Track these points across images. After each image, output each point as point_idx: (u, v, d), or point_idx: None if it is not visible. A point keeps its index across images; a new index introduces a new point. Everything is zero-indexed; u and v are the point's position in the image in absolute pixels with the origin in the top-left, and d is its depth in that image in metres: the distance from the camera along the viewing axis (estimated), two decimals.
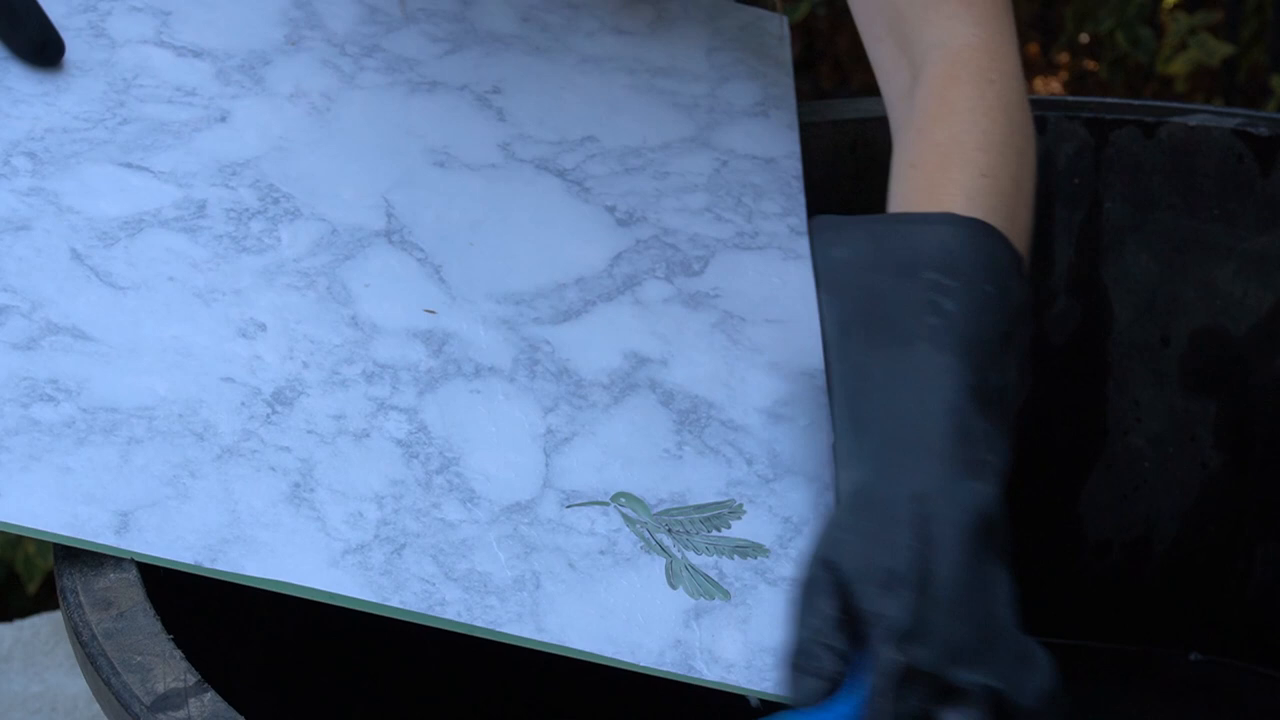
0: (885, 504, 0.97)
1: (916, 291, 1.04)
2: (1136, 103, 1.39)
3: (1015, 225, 1.10)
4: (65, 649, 1.73)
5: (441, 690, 1.21)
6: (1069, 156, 1.37)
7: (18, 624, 1.80)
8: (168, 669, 0.92)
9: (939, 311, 1.04)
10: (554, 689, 1.21)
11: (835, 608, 0.95)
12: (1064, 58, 2.59)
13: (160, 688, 0.91)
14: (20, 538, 1.89)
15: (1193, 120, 1.36)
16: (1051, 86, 2.65)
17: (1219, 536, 1.39)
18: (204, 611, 0.99)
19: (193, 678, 0.91)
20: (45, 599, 2.04)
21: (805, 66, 2.27)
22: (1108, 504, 1.40)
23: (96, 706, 0.96)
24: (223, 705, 0.89)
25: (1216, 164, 1.35)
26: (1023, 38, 2.63)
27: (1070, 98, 1.44)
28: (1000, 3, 1.17)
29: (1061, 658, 1.37)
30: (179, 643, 0.93)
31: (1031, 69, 2.60)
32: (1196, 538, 1.39)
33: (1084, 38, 2.54)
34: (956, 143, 1.11)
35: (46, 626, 1.80)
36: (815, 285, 1.13)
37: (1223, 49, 2.38)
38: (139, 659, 0.92)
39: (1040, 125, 1.36)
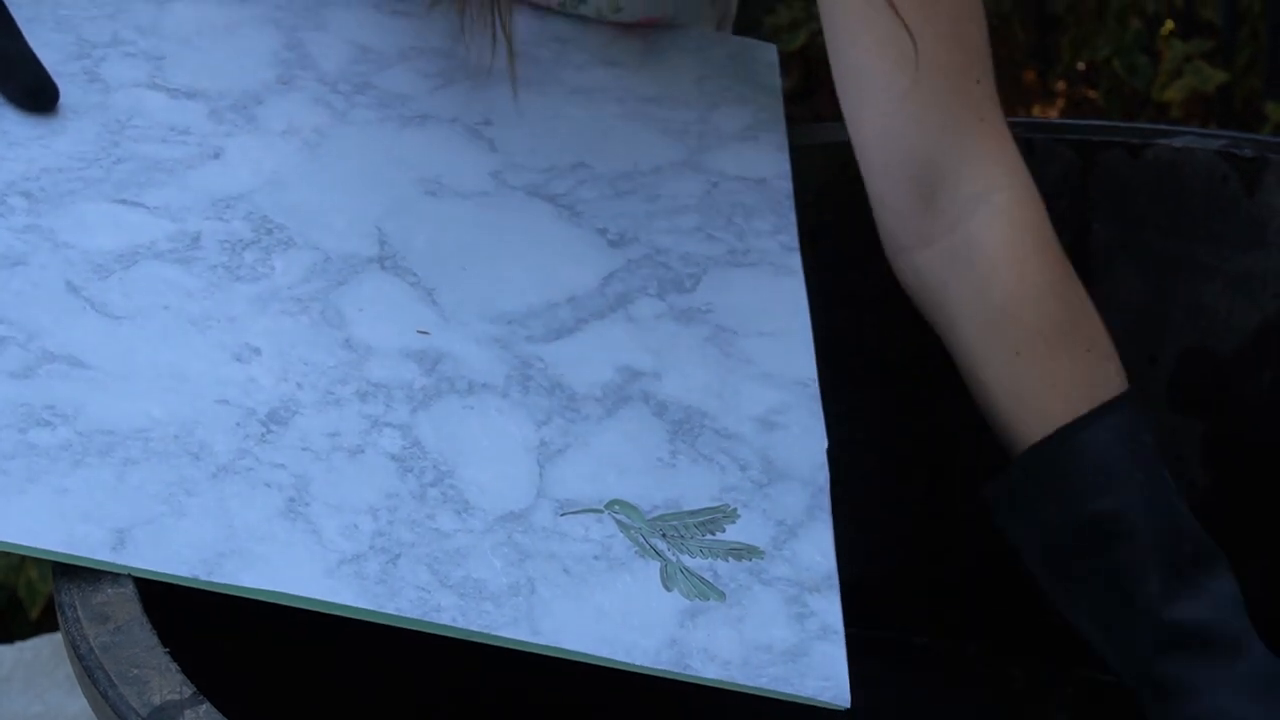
0: None
1: (1089, 536, 1.11)
2: (1122, 125, 1.40)
3: (1119, 367, 1.16)
4: (66, 669, 1.74)
5: (439, 703, 1.21)
6: (1056, 178, 1.38)
7: (19, 645, 1.81)
8: (164, 681, 0.92)
9: (1113, 545, 1.12)
10: (555, 702, 1.21)
11: None
12: (1061, 85, 2.60)
13: (157, 700, 0.91)
14: (22, 563, 1.90)
15: (1178, 142, 1.37)
16: (1049, 114, 2.66)
17: None
18: (200, 625, 0.99)
19: (189, 690, 0.91)
20: (47, 624, 2.05)
21: (804, 95, 2.28)
22: None
23: None
24: (219, 717, 0.90)
25: (1202, 185, 1.36)
26: (1020, 65, 2.64)
27: (1057, 120, 1.45)
28: (1013, 144, 1.20)
29: (1047, 677, 1.38)
30: (175, 656, 0.93)
31: (1029, 97, 2.60)
32: None
33: (1081, 65, 2.55)
34: (1053, 324, 1.15)
35: (47, 648, 1.81)
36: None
37: (1218, 76, 2.39)
38: (136, 672, 0.92)
39: (1028, 148, 1.36)
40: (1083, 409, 1.13)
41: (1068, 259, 1.18)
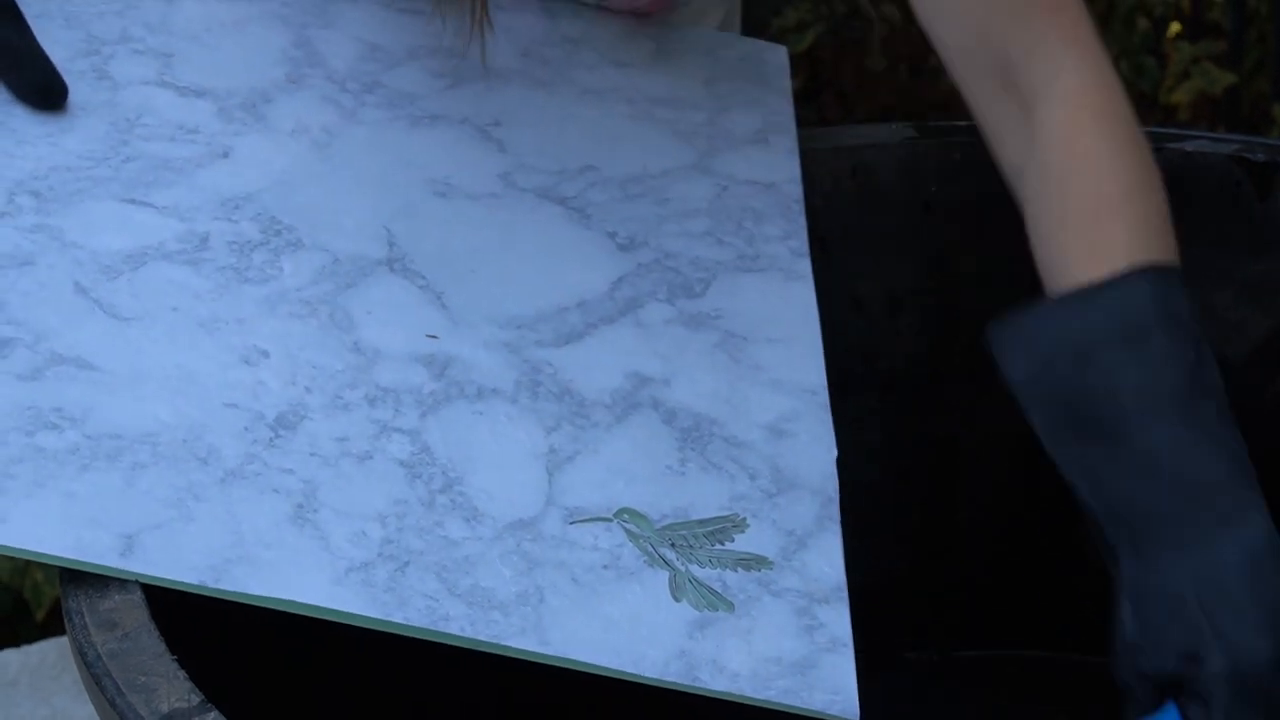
0: (1165, 597, 1.01)
1: (1101, 380, 1.06)
2: None
3: (1170, 245, 1.10)
4: (72, 673, 1.74)
5: (443, 712, 1.21)
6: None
7: (25, 649, 1.81)
8: (172, 689, 0.92)
9: (1132, 389, 1.06)
10: (562, 711, 1.21)
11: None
12: None
13: (164, 707, 0.91)
14: (28, 565, 1.90)
15: (1190, 146, 1.36)
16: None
17: None
18: (208, 632, 0.99)
19: (196, 698, 0.91)
20: (53, 627, 2.04)
21: (810, 96, 2.28)
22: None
23: None
24: None
25: (1214, 190, 1.35)
26: None
27: None
28: (1097, 40, 1.17)
29: (1060, 674, 1.38)
30: (183, 663, 0.93)
31: None
32: None
33: None
34: (1101, 196, 1.11)
35: (54, 652, 1.81)
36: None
37: (1225, 78, 2.38)
38: (143, 679, 0.92)
39: None
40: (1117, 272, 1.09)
41: (1139, 136, 1.14)
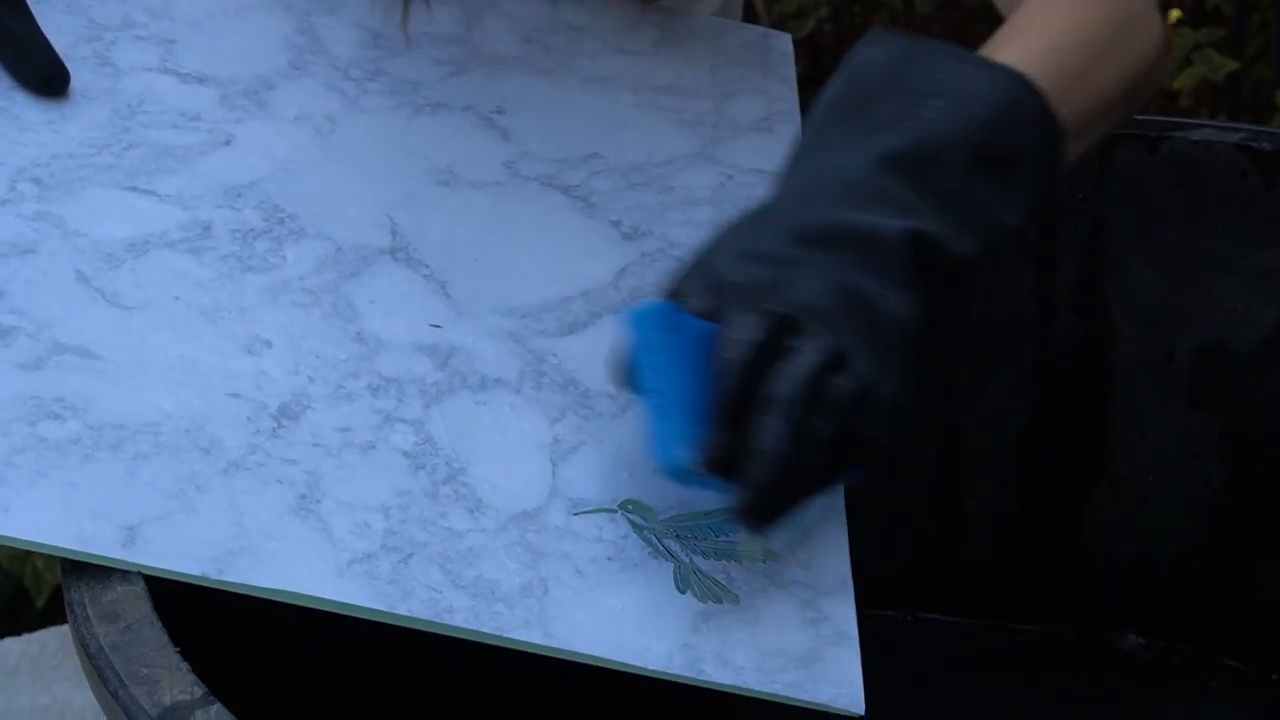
0: (766, 216, 1.03)
1: (909, 99, 1.07)
2: (1140, 118, 1.39)
3: (1070, 103, 1.10)
4: (73, 662, 1.74)
5: (448, 705, 1.21)
6: (1072, 171, 1.37)
7: (26, 637, 1.81)
8: (174, 681, 0.91)
9: (916, 117, 1.06)
10: (562, 701, 1.21)
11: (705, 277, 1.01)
12: None
13: (167, 700, 0.90)
14: (28, 552, 1.89)
15: (1196, 135, 1.36)
16: None
17: (1222, 552, 1.38)
18: (211, 624, 0.99)
19: (199, 690, 0.91)
20: (53, 613, 2.05)
21: (811, 82, 2.27)
22: (1111, 519, 1.39)
23: (104, 719, 0.96)
24: (229, 718, 0.89)
25: (1220, 179, 1.35)
26: None
27: None
28: None
29: (1062, 652, 1.38)
30: (186, 655, 0.93)
31: None
32: (1200, 553, 1.39)
33: None
34: (1042, 21, 1.13)
35: (54, 640, 1.81)
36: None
37: (1227, 64, 2.38)
38: (146, 671, 0.92)
39: None
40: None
41: (1138, 22, 1.16)
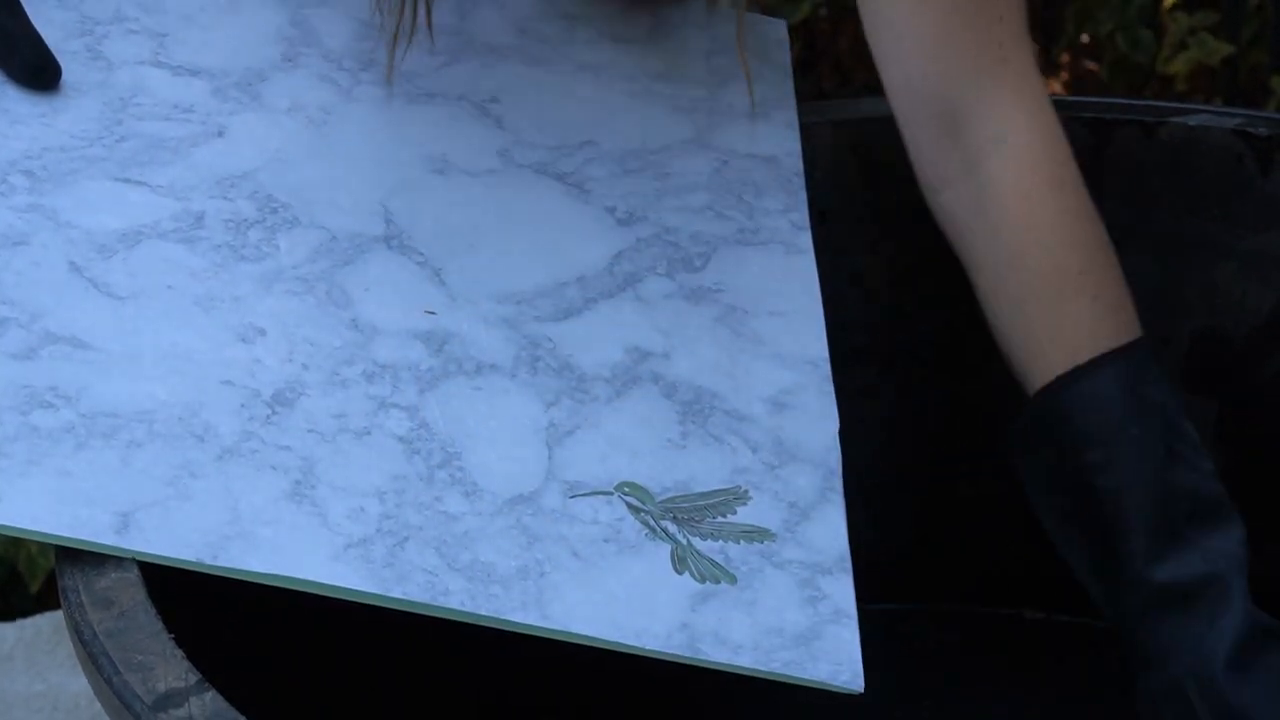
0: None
1: (1081, 486, 1.11)
2: (1137, 103, 1.38)
3: (1133, 317, 1.14)
4: (67, 648, 1.73)
5: (444, 691, 1.20)
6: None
7: (20, 623, 1.80)
8: (169, 668, 0.91)
9: (1101, 498, 1.10)
10: (561, 693, 1.21)
11: None
12: (1064, 58, 2.60)
13: (161, 687, 0.90)
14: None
15: (1193, 120, 1.35)
16: (1053, 88, 2.65)
17: None
18: (205, 611, 0.98)
19: (194, 677, 0.90)
20: (47, 598, 2.04)
21: (806, 67, 2.26)
22: None
23: (98, 705, 0.96)
24: (223, 704, 0.89)
25: (1217, 164, 1.34)
26: None
27: (1071, 98, 1.43)
28: (1044, 94, 1.18)
29: (1059, 638, 1.37)
30: (180, 642, 0.92)
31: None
32: None
33: (1085, 39, 2.54)
34: (1059, 270, 1.13)
35: (48, 626, 1.80)
36: None
37: (1223, 49, 2.37)
38: (140, 658, 0.92)
39: None
40: (1082, 360, 1.11)
41: (1089, 204, 1.16)
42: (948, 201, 1.18)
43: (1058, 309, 1.13)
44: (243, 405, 1.04)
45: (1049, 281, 1.13)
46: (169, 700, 0.89)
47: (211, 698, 0.89)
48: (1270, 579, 1.35)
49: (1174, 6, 2.51)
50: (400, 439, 1.04)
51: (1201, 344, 1.37)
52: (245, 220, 1.14)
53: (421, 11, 1.24)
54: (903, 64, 1.18)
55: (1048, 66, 2.63)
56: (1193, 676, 1.06)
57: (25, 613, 1.93)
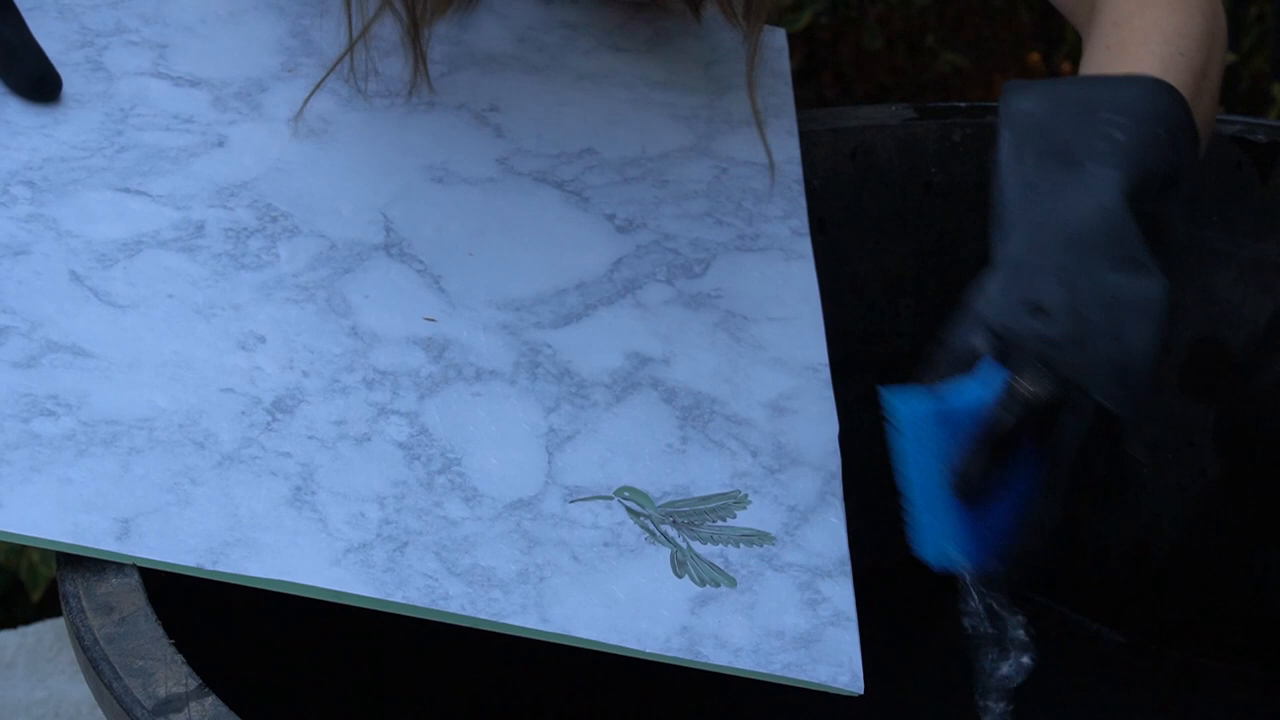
0: (1033, 269, 1.00)
1: (1091, 125, 1.07)
2: None
3: (1199, 106, 1.11)
4: (68, 655, 1.74)
5: (443, 698, 1.20)
6: None
7: (21, 630, 1.80)
8: (169, 673, 0.91)
9: (1109, 139, 1.07)
10: (559, 702, 1.21)
11: (982, 335, 0.99)
12: (1066, 66, 2.61)
13: (162, 692, 0.90)
14: (24, 546, 1.88)
15: None
16: None
17: (1218, 542, 1.37)
18: (205, 616, 0.98)
19: (194, 682, 0.91)
20: (49, 607, 2.04)
21: (807, 76, 2.27)
22: (1105, 512, 1.39)
23: (99, 712, 0.96)
24: (224, 709, 0.89)
25: (1216, 171, 1.34)
26: (1025, 47, 2.65)
27: None
28: None
29: (1056, 643, 1.37)
30: (180, 647, 0.93)
31: (1034, 78, 2.61)
32: (1196, 544, 1.38)
33: None
34: (1156, 26, 1.13)
35: (50, 633, 1.81)
36: (997, 129, 1.13)
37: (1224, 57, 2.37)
38: (140, 663, 0.92)
39: None
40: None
41: (1217, 8, 1.16)
42: (1085, 8, 1.20)
43: (1141, 47, 1.13)
44: (243, 412, 1.04)
45: (1141, 33, 1.14)
46: (169, 705, 0.89)
47: (211, 703, 0.89)
48: (1271, 583, 1.35)
49: None
50: (400, 445, 1.04)
51: (1200, 351, 1.37)
52: (245, 229, 1.15)
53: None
54: None
55: (1050, 74, 2.63)
56: None
57: (27, 622, 1.93)
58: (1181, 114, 1.09)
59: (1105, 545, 1.39)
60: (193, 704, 0.89)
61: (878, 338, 1.35)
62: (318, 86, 1.24)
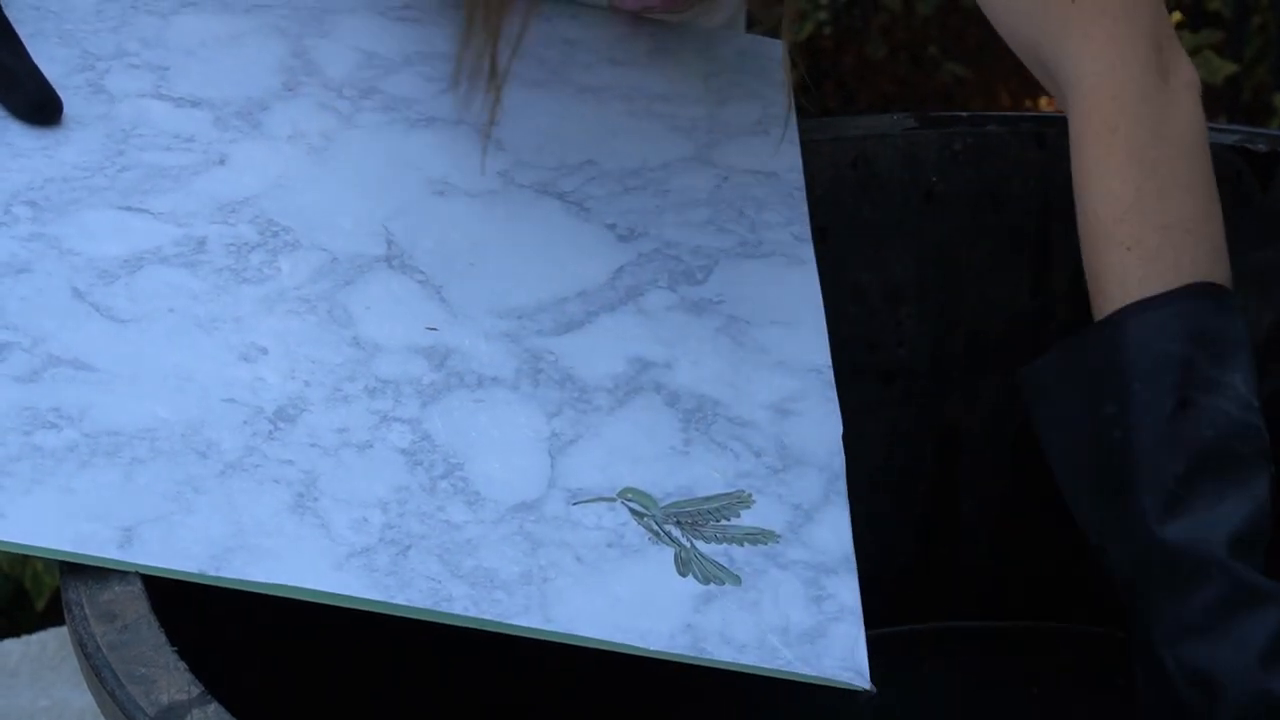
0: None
1: (1095, 433, 1.08)
2: None
3: (1174, 265, 1.10)
4: (72, 663, 1.73)
5: (447, 706, 1.20)
6: (1070, 173, 1.37)
7: (25, 639, 1.81)
8: (172, 681, 0.91)
9: (1113, 448, 1.08)
10: (568, 706, 1.20)
11: None
12: None
13: (164, 699, 0.90)
14: (27, 556, 1.88)
15: None
16: (1055, 105, 2.66)
17: None
18: (208, 624, 0.98)
19: (196, 689, 0.90)
20: (53, 616, 2.04)
21: (810, 85, 2.27)
22: None
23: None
24: (227, 717, 0.89)
25: (1216, 180, 1.34)
26: None
27: None
28: (1119, 20, 1.16)
29: (1061, 643, 1.37)
30: (183, 655, 0.92)
31: (1036, 88, 2.62)
32: None
33: None
34: (1095, 221, 1.13)
35: (54, 641, 1.81)
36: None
37: (1226, 67, 2.37)
38: (143, 671, 0.91)
39: (1040, 141, 1.35)
40: (1107, 312, 1.10)
41: (1151, 147, 1.13)
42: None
43: (1099, 259, 1.12)
44: (245, 422, 1.04)
45: (1090, 230, 1.13)
46: (172, 713, 0.89)
47: (214, 710, 0.89)
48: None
49: (1178, 25, 2.52)
50: (402, 451, 1.04)
51: None
52: (247, 244, 1.15)
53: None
54: (1000, 6, 1.20)
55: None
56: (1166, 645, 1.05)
57: (31, 631, 1.94)
58: (1150, 327, 1.08)
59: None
60: (195, 711, 0.89)
61: (879, 346, 1.35)
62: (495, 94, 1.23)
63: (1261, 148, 1.33)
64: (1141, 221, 1.11)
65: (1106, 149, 1.13)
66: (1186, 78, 1.16)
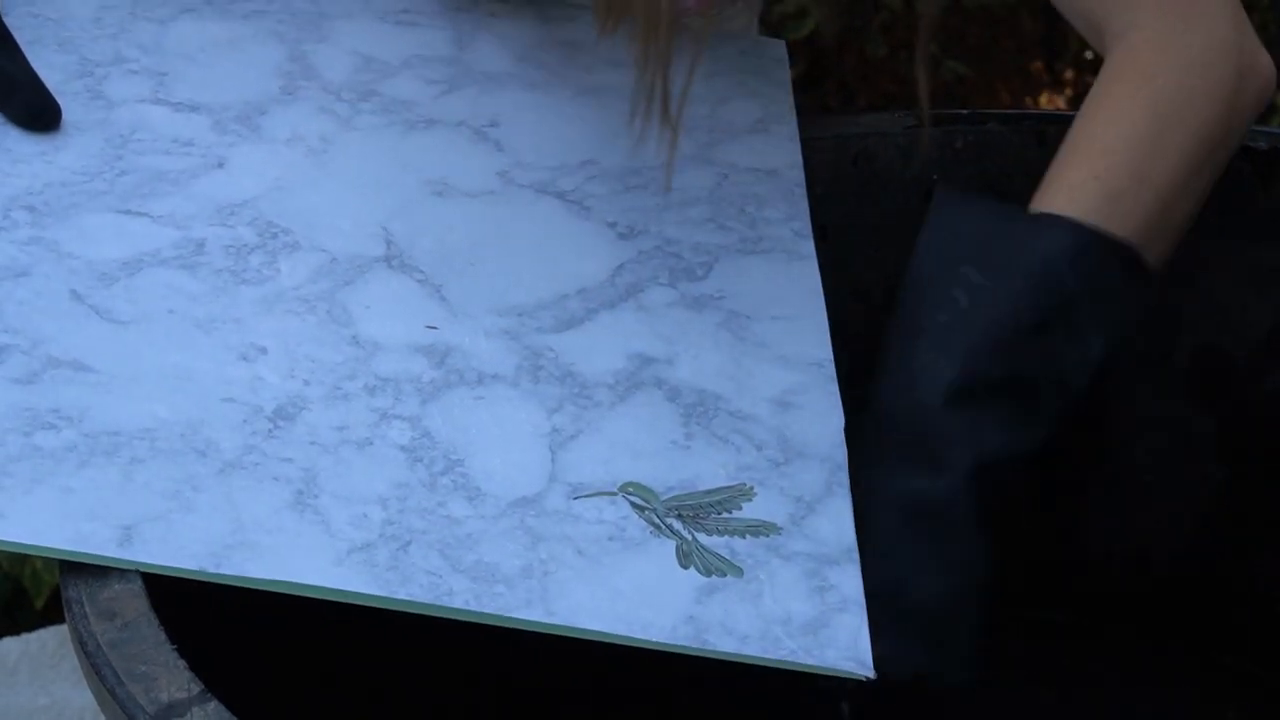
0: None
1: (944, 285, 1.09)
2: None
3: (1125, 221, 1.11)
4: (72, 661, 1.73)
5: (446, 703, 1.20)
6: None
7: (25, 637, 1.80)
8: (172, 679, 0.91)
9: (952, 308, 1.08)
10: (570, 704, 1.20)
11: None
12: (1069, 74, 2.60)
13: (164, 697, 0.90)
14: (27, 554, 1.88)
15: None
16: (1057, 103, 2.66)
17: (1221, 550, 1.36)
18: (208, 622, 0.98)
19: (196, 687, 0.90)
20: (52, 614, 2.04)
21: (811, 84, 2.27)
22: (1109, 518, 1.38)
23: (102, 718, 0.95)
24: (226, 715, 0.88)
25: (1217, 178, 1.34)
26: (1027, 56, 2.65)
27: (1070, 112, 1.43)
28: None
29: (1058, 649, 1.36)
30: (183, 652, 0.92)
31: (1037, 86, 2.61)
32: (1198, 551, 1.37)
33: (1089, 54, 2.55)
34: (1087, 138, 1.14)
35: (53, 639, 1.81)
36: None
37: None
38: (143, 669, 0.91)
39: (1039, 139, 1.35)
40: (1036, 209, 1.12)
41: (1197, 107, 1.14)
42: None
43: (1069, 168, 1.13)
44: (244, 421, 1.04)
45: (1075, 142, 1.14)
46: (172, 711, 0.89)
47: (214, 708, 0.89)
48: (1272, 592, 1.34)
49: None
50: (402, 448, 1.04)
51: (1201, 359, 1.36)
52: (246, 245, 1.15)
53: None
54: None
55: (1052, 82, 2.64)
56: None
57: (30, 629, 1.93)
58: (1061, 247, 1.09)
59: (1109, 551, 1.38)
60: (195, 709, 0.89)
61: (879, 344, 1.34)
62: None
63: (1262, 146, 1.32)
64: (1125, 163, 1.12)
65: (1135, 88, 1.14)
66: (1261, 75, 1.18)
